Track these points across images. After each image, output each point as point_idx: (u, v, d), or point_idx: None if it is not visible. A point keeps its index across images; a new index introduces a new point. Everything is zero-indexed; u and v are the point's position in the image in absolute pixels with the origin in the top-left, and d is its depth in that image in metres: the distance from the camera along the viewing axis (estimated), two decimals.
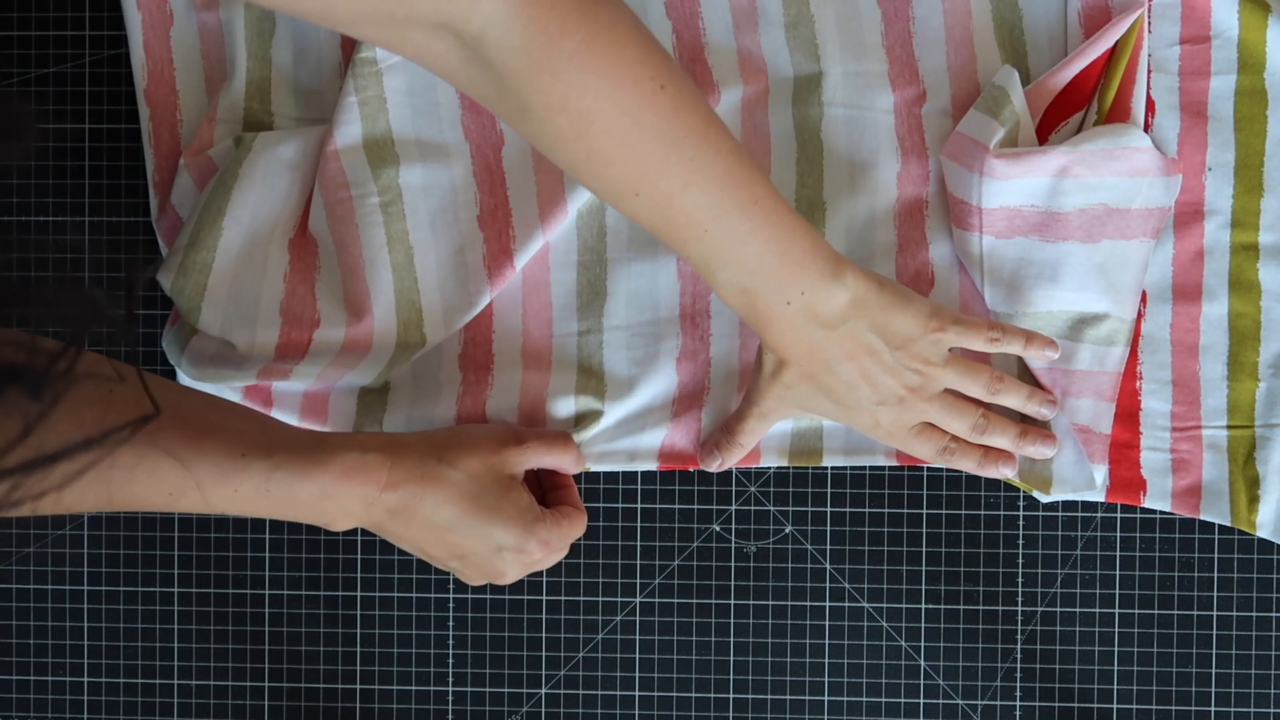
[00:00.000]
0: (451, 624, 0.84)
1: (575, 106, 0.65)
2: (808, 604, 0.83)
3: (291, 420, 0.82)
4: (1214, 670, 0.82)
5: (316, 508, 0.72)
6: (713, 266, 0.71)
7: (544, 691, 0.84)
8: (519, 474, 0.77)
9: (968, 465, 0.79)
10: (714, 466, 0.80)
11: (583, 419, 0.81)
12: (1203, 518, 0.80)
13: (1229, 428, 0.80)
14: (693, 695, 0.83)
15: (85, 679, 0.85)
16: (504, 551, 0.76)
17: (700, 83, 0.81)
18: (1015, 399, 0.79)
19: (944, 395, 0.77)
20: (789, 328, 0.73)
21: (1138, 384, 0.81)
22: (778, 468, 0.82)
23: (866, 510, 0.83)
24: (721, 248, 0.70)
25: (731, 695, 0.83)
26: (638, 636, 0.83)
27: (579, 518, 0.79)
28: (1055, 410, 0.79)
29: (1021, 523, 0.82)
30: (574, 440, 0.80)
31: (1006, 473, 0.79)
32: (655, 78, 0.66)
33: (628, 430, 0.82)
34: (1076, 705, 0.82)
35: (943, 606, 0.83)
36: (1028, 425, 0.79)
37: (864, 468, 0.82)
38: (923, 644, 0.83)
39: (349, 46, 0.82)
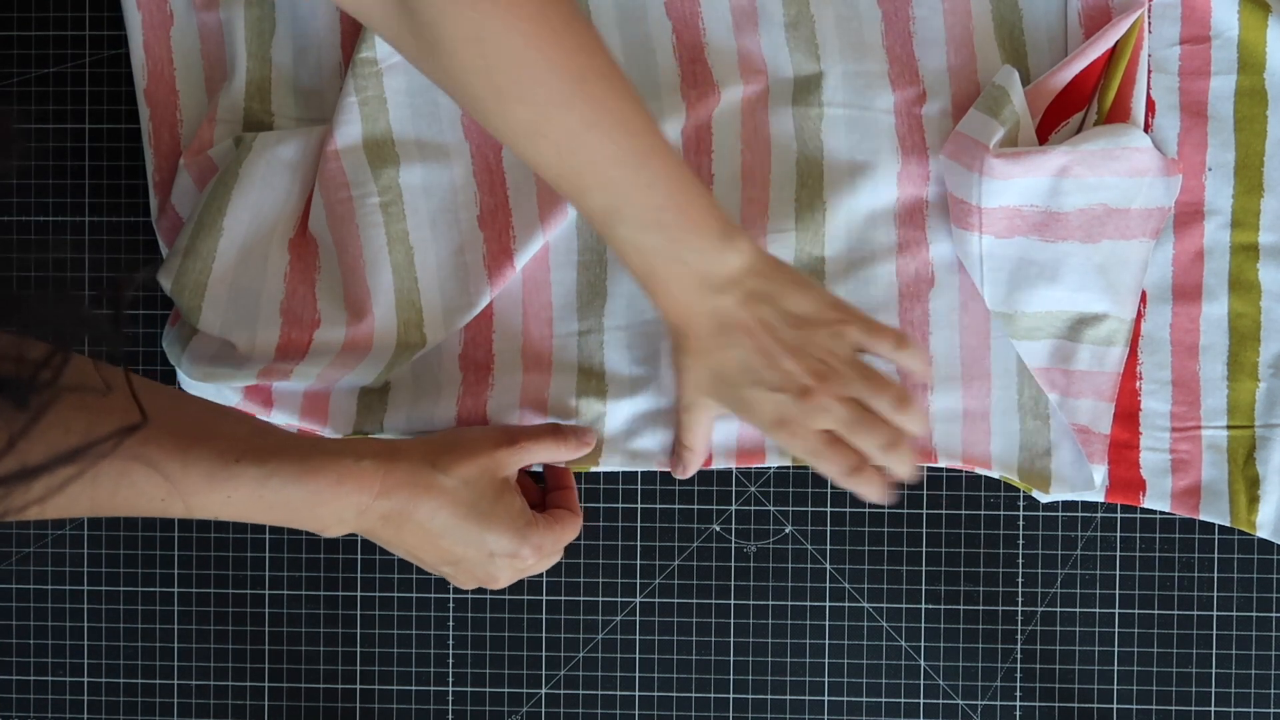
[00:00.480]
0: (451, 624, 0.84)
1: (485, 40, 0.66)
2: (808, 604, 0.83)
3: (292, 420, 0.82)
4: (1214, 670, 0.82)
5: (310, 513, 0.72)
6: (612, 219, 0.71)
7: (544, 691, 0.84)
8: (513, 476, 0.77)
9: (869, 493, 0.75)
10: (680, 473, 0.80)
11: (584, 421, 0.81)
12: (1202, 518, 0.80)
13: (1229, 428, 0.80)
14: (693, 695, 0.83)
15: (85, 679, 0.85)
16: (496, 557, 0.76)
17: (700, 83, 0.81)
18: (917, 425, 0.75)
19: (855, 404, 0.74)
20: (683, 289, 0.73)
21: (1137, 384, 0.81)
22: (778, 468, 0.83)
23: (866, 510, 0.83)
24: (622, 198, 0.70)
25: (731, 695, 0.83)
26: (638, 636, 0.83)
27: (573, 521, 0.79)
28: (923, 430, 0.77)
29: (1021, 523, 0.82)
30: (564, 428, 0.80)
31: (877, 498, 0.76)
32: (562, 16, 0.67)
33: (630, 430, 0.82)
34: (1076, 705, 0.82)
35: (943, 606, 0.83)
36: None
37: None
38: (923, 644, 0.83)
39: (349, 46, 0.82)
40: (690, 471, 0.80)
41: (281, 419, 0.81)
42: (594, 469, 0.82)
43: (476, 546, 0.75)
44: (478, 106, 0.69)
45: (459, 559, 0.75)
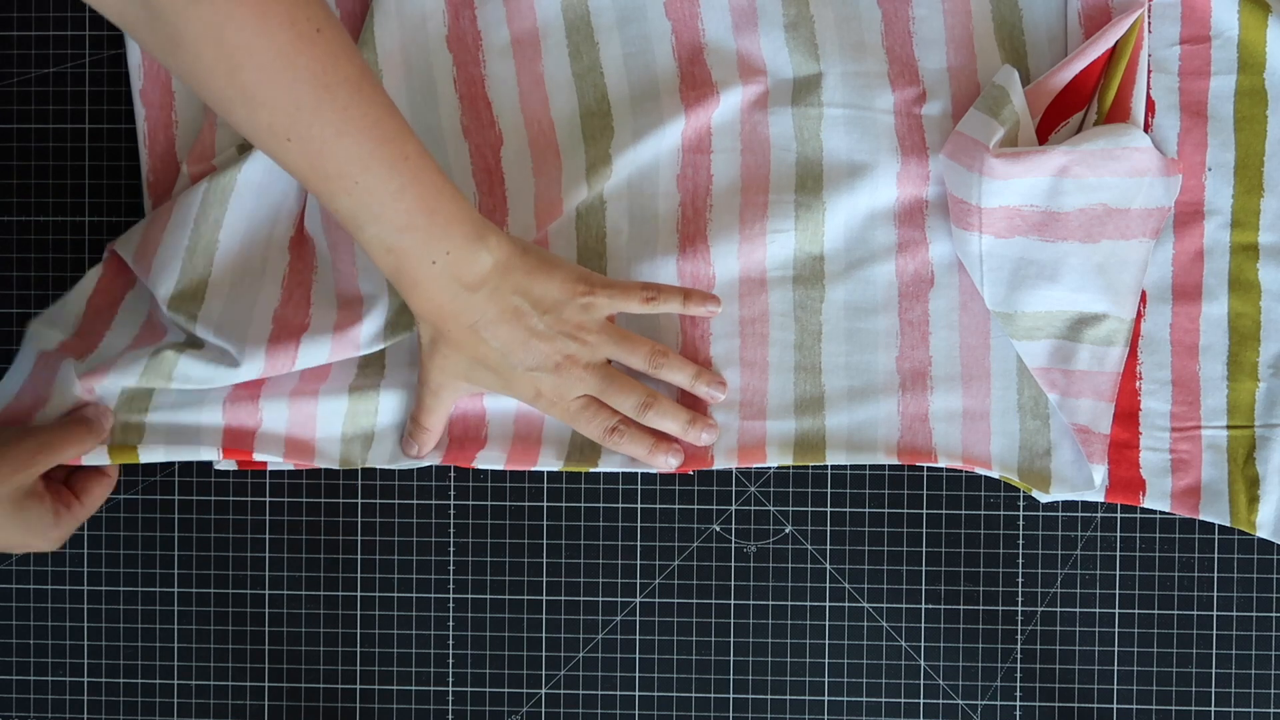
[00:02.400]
0: (451, 624, 0.84)
1: (229, 41, 0.64)
2: (808, 604, 0.83)
3: (281, 399, 0.80)
4: (1214, 670, 0.82)
5: None
6: (361, 221, 0.71)
7: (544, 691, 0.84)
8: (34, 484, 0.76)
9: (638, 451, 0.79)
10: (413, 454, 0.80)
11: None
12: (1202, 518, 0.80)
13: (1229, 428, 0.80)
14: (693, 695, 0.83)
15: (85, 679, 0.85)
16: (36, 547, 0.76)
17: (699, 83, 0.81)
18: (682, 376, 0.79)
19: (606, 367, 0.78)
20: (434, 290, 0.73)
21: (1137, 384, 0.81)
22: (778, 468, 0.83)
23: (866, 510, 0.83)
24: (371, 202, 0.70)
25: (731, 695, 0.83)
26: (638, 636, 0.83)
27: (101, 481, 0.79)
28: (724, 392, 0.80)
29: (1021, 523, 0.82)
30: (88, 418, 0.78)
31: (673, 463, 0.79)
32: (311, 20, 0.66)
33: None
34: (1076, 705, 0.82)
35: (943, 606, 0.83)
36: (697, 413, 0.80)
37: (864, 468, 0.82)
38: (923, 644, 0.83)
39: None
40: (425, 451, 0.80)
41: (271, 403, 0.80)
42: (594, 469, 0.82)
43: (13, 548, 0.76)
44: (224, 107, 0.67)
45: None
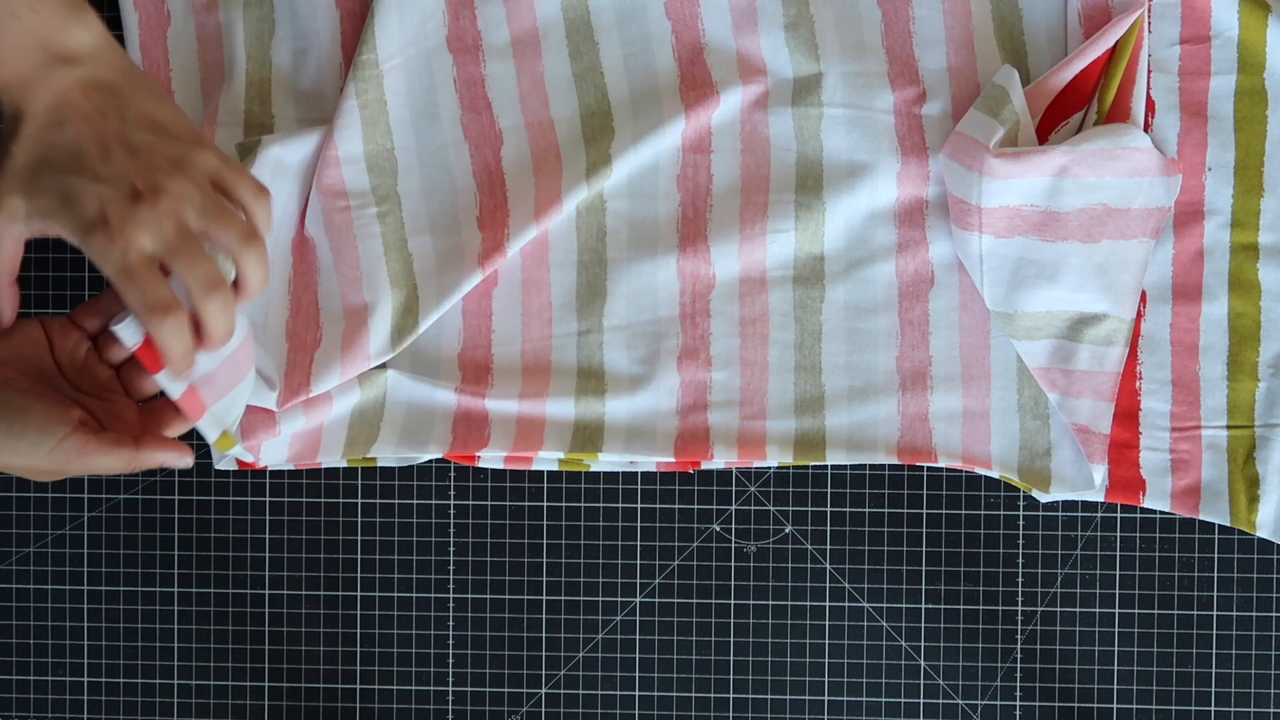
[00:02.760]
0: (451, 624, 0.84)
1: None
2: (808, 604, 0.83)
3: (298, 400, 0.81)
4: (1214, 670, 0.82)
5: None
6: None
7: (544, 691, 0.84)
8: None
9: (169, 341, 0.65)
10: None
11: (587, 429, 0.81)
12: (1202, 518, 0.80)
13: (1229, 428, 0.80)
14: (693, 695, 0.83)
15: (85, 679, 0.85)
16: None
17: (699, 84, 0.81)
18: (255, 271, 0.67)
19: (187, 231, 0.65)
20: (18, 52, 0.64)
21: (1137, 384, 0.81)
22: (778, 467, 0.83)
23: (866, 510, 0.83)
24: None
25: (731, 695, 0.83)
26: (638, 636, 0.83)
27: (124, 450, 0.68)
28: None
29: (1021, 523, 0.82)
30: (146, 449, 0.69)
31: (177, 351, 0.66)
32: None
33: (630, 430, 0.82)
34: (1076, 705, 0.82)
35: (943, 606, 0.83)
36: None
37: (864, 468, 0.83)
38: (923, 644, 0.83)
39: (349, 48, 0.82)
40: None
41: (286, 416, 0.81)
42: (594, 469, 0.82)
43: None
44: None
45: None
